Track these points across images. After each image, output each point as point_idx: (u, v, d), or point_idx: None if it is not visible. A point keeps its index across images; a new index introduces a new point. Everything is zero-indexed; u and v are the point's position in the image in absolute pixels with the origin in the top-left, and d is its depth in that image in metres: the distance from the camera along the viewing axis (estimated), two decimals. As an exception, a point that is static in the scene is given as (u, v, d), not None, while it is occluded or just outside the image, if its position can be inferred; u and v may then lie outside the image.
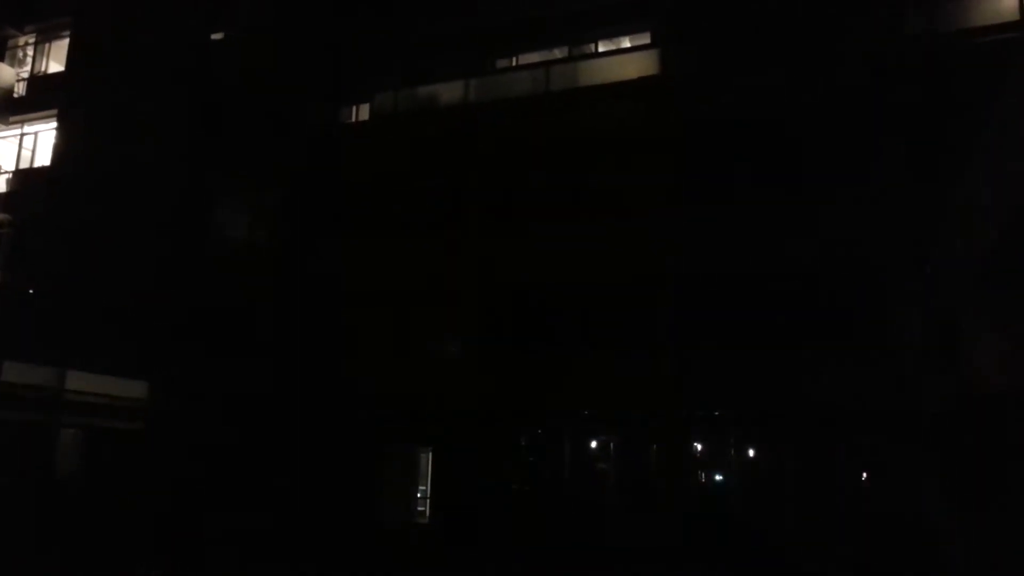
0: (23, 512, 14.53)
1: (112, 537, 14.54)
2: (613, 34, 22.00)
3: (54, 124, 23.45)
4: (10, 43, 25.90)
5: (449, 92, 22.70)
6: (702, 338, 18.31)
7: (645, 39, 21.28)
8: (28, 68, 25.59)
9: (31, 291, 21.00)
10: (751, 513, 17.27)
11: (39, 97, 24.31)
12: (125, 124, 21.58)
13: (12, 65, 25.55)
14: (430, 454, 20.99)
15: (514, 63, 22.91)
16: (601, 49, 21.93)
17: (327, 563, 16.81)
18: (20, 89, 25.14)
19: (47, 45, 25.56)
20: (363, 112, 24.58)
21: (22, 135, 24.61)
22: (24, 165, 24.22)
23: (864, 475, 16.70)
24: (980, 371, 11.86)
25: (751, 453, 17.96)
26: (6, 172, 24.16)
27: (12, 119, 24.70)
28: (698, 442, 18.44)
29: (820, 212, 17.67)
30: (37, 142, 24.39)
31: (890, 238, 16.96)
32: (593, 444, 19.49)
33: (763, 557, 16.09)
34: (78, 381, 18.40)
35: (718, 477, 18.24)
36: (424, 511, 20.81)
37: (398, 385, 20.72)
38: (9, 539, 13.11)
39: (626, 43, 21.89)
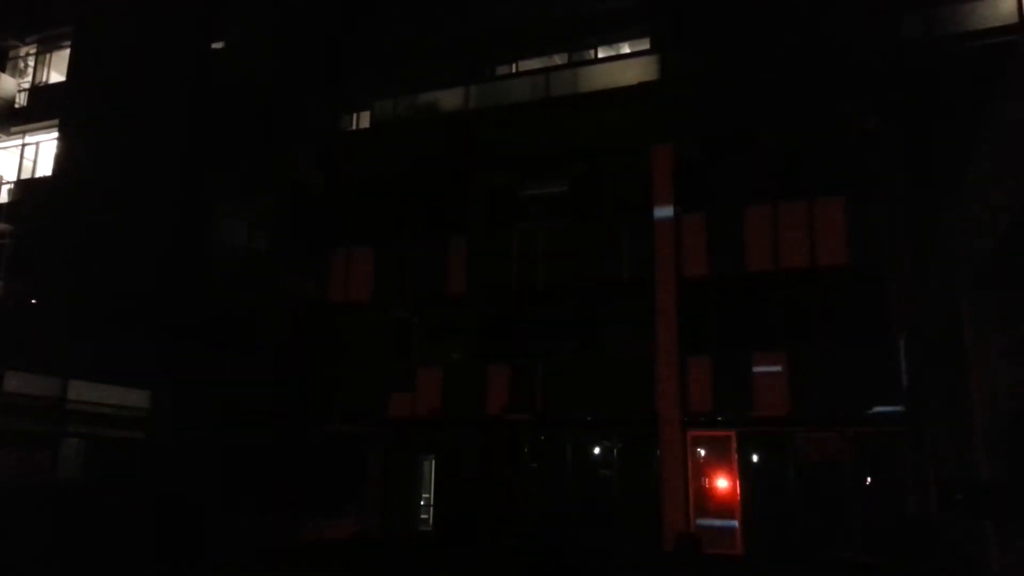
0: (27, 519, 14.52)
1: (116, 544, 14.53)
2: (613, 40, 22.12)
3: (55, 134, 23.48)
4: (11, 54, 25.96)
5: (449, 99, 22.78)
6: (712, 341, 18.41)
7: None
8: (29, 78, 25.66)
9: (33, 301, 21.01)
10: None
11: (40, 107, 24.34)
12: (126, 133, 21.61)
13: (13, 75, 25.61)
14: (433, 461, 21.00)
15: (514, 69, 23.01)
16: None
17: (328, 565, 16.79)
18: (21, 99, 25.19)
19: (48, 55, 25.62)
20: (363, 120, 24.71)
21: (23, 145, 24.65)
22: (25, 175, 24.25)
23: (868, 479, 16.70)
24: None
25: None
26: (7, 182, 24.18)
27: (13, 129, 24.74)
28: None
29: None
30: (38, 152, 24.43)
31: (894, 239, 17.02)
32: (596, 449, 19.49)
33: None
34: (80, 391, 18.43)
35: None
36: (428, 518, 20.76)
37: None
38: (14, 546, 13.10)
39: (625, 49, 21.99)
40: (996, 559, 7.66)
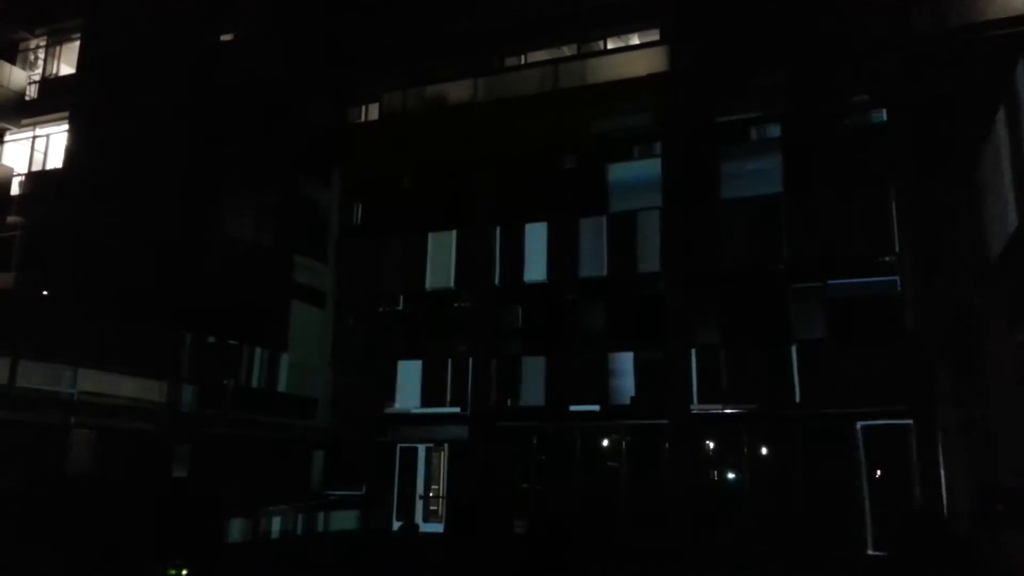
0: (34, 513, 14.61)
1: (124, 538, 14.61)
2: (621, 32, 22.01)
3: (65, 126, 23.54)
4: (21, 46, 26.01)
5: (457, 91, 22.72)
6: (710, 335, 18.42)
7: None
8: (39, 71, 25.71)
9: (44, 292, 21.09)
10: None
11: (50, 100, 24.39)
12: (134, 125, 21.63)
13: (24, 68, 25.66)
14: (444, 452, 21.07)
15: (523, 61, 22.93)
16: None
17: (338, 563, 16.91)
18: (32, 92, 25.25)
19: (58, 48, 25.66)
20: (372, 112, 24.71)
21: (34, 137, 24.73)
22: (36, 167, 24.33)
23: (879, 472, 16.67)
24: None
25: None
26: (18, 174, 24.27)
27: (24, 122, 24.82)
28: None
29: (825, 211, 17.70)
30: (49, 144, 24.50)
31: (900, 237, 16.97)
32: (605, 443, 19.52)
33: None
34: (91, 382, 18.48)
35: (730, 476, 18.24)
36: (437, 510, 20.85)
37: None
38: (19, 539, 13.18)
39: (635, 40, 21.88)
40: (1008, 558, 7.64)
